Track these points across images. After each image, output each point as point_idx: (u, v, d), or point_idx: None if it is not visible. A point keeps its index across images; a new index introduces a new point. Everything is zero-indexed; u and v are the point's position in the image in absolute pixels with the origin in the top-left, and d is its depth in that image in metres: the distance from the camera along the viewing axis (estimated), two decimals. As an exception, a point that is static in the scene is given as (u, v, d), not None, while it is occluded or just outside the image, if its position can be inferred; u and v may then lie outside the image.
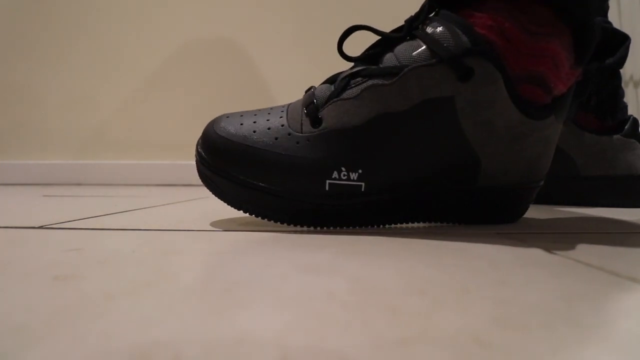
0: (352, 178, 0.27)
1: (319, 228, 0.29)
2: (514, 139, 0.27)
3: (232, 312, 0.13)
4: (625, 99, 1.11)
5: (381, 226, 0.30)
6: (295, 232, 0.29)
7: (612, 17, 1.13)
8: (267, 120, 0.29)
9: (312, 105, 0.28)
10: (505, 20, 0.25)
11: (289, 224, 0.29)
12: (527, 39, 0.25)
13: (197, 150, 0.30)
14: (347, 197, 0.27)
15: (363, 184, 0.27)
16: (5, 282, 0.16)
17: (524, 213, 0.34)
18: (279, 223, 0.29)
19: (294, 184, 0.27)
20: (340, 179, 0.27)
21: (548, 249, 0.23)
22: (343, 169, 0.27)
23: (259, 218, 0.29)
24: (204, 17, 1.19)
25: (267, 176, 0.27)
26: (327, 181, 0.27)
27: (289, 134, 0.27)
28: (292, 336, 0.11)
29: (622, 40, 0.54)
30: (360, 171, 0.27)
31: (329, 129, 0.27)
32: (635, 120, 0.54)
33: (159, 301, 0.14)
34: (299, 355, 0.10)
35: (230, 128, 0.28)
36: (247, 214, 0.30)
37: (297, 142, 0.27)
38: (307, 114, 0.28)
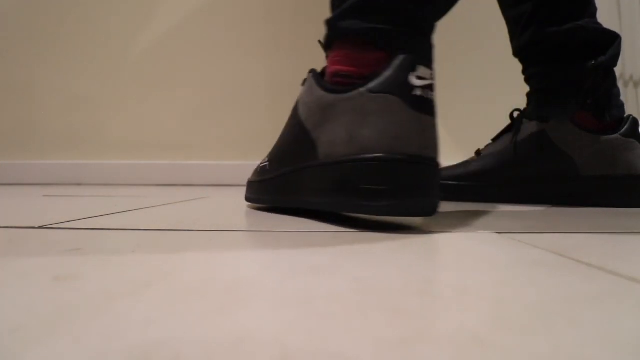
0: (265, 161, 0.46)
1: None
2: (322, 109, 0.35)
3: (232, 312, 0.13)
4: (624, 99, 1.11)
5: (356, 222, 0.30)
6: (296, 232, 0.29)
7: (612, 17, 1.13)
8: None
9: None
10: (334, 60, 0.37)
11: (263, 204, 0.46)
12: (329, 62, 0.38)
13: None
14: (266, 173, 0.45)
15: (267, 163, 0.45)
16: (5, 282, 0.16)
17: (426, 202, 0.30)
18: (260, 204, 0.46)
19: (262, 177, 0.46)
20: (262, 162, 0.47)
21: (548, 249, 0.23)
22: (266, 158, 0.46)
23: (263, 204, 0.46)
24: (204, 17, 1.19)
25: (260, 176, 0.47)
26: (260, 165, 0.47)
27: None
28: (292, 336, 0.11)
29: (613, 39, 0.54)
30: (267, 158, 0.45)
31: None
32: (634, 119, 0.54)
33: (159, 301, 0.14)
34: (299, 355, 0.10)
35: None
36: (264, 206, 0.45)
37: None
38: None
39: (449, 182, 0.62)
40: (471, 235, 0.28)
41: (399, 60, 0.31)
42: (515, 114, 0.61)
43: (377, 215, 0.31)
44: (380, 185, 0.30)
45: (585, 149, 0.53)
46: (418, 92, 0.31)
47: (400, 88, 0.31)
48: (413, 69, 0.31)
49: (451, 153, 1.02)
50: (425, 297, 0.14)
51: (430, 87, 0.32)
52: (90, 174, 1.19)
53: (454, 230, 0.30)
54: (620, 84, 1.12)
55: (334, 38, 0.37)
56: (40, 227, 0.30)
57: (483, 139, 0.69)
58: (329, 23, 0.37)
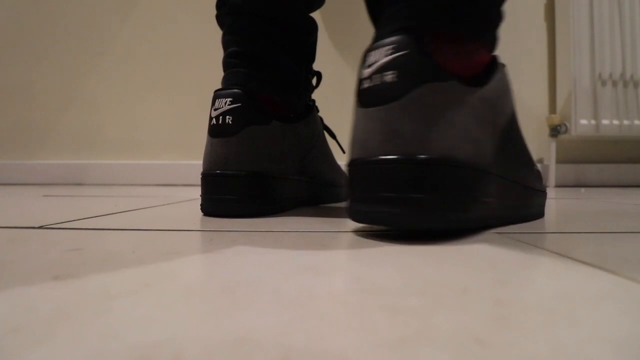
0: None
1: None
2: None
3: (232, 312, 0.13)
4: (625, 99, 1.11)
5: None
6: (296, 232, 0.29)
7: (612, 16, 1.13)
8: None
9: None
10: None
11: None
12: None
13: None
14: None
15: None
16: (5, 282, 0.16)
17: (218, 205, 0.38)
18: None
19: None
20: None
21: (548, 249, 0.23)
22: None
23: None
24: (203, 17, 1.19)
25: None
26: None
27: None
28: (292, 336, 0.11)
29: None
30: None
31: None
32: None
33: (159, 301, 0.14)
34: (299, 355, 0.10)
35: None
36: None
37: None
38: None
39: None
40: (471, 235, 0.28)
41: None
42: None
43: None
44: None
45: None
46: (213, 121, 0.39)
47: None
48: (213, 103, 0.39)
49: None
50: (425, 297, 0.14)
51: (225, 113, 0.38)
52: (90, 174, 1.19)
53: (454, 231, 0.30)
54: (620, 84, 1.13)
55: None
56: (40, 227, 0.30)
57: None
58: None
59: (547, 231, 0.30)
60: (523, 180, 0.34)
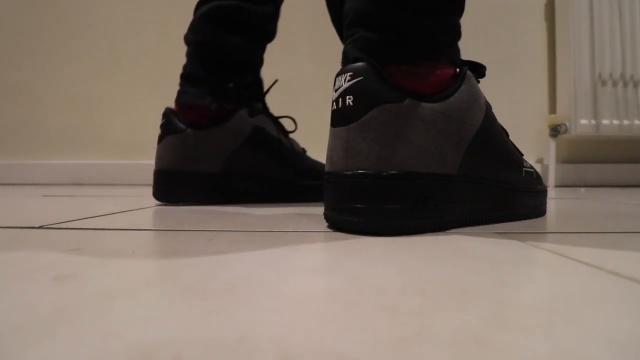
0: None
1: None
2: None
3: (232, 312, 0.13)
4: (625, 99, 1.11)
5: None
6: (296, 232, 0.29)
7: (612, 16, 1.13)
8: None
9: None
10: None
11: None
12: None
13: None
14: None
15: None
16: (5, 282, 0.16)
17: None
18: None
19: None
20: None
21: (548, 249, 0.23)
22: None
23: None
24: (204, 17, 1.19)
25: None
26: None
27: None
28: (292, 336, 0.11)
29: None
30: None
31: None
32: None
33: (159, 301, 0.14)
34: (299, 355, 0.10)
35: None
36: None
37: None
38: None
39: None
40: (471, 235, 0.28)
41: None
42: None
43: None
44: None
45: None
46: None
47: None
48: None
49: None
50: (425, 297, 0.14)
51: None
52: (90, 174, 1.19)
53: (454, 230, 0.30)
54: (620, 84, 1.13)
55: None
56: (40, 227, 0.30)
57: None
58: None
59: (547, 231, 0.30)
60: (503, 182, 0.34)
